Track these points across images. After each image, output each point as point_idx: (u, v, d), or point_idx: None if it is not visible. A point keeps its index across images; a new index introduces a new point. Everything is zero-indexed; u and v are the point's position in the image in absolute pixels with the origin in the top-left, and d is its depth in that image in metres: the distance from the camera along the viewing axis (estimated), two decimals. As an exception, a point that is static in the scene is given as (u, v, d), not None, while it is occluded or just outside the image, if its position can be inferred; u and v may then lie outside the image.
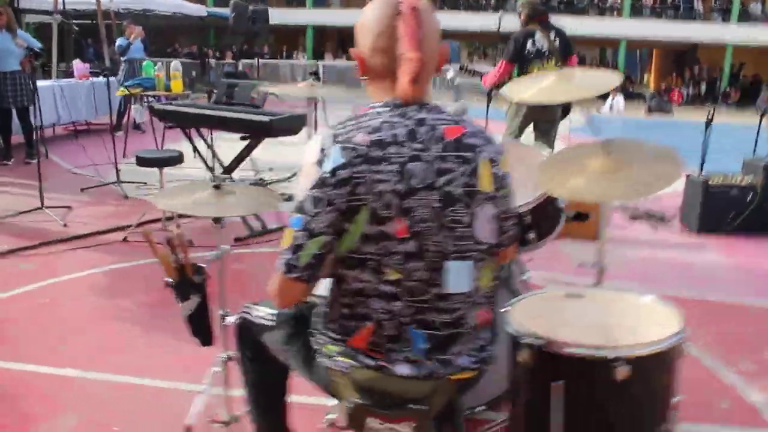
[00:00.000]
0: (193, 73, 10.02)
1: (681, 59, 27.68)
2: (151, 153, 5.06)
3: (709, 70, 25.59)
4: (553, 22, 6.37)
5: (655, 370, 1.94)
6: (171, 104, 5.58)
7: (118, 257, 4.70)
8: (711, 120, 6.10)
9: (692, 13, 25.39)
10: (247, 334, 2.02)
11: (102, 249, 4.90)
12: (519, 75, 6.39)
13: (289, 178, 7.48)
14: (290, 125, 4.96)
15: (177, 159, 4.96)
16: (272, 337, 1.91)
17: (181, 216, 5.45)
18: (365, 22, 1.60)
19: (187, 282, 2.16)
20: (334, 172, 1.50)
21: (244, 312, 2.05)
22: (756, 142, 6.90)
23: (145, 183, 6.92)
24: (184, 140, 6.32)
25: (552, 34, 6.27)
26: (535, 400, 1.97)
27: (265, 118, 4.74)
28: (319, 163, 1.52)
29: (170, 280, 2.18)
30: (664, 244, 5.56)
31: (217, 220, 5.38)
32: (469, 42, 30.85)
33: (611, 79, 2.58)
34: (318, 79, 2.72)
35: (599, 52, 27.54)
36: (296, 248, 1.55)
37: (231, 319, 2.25)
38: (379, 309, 1.57)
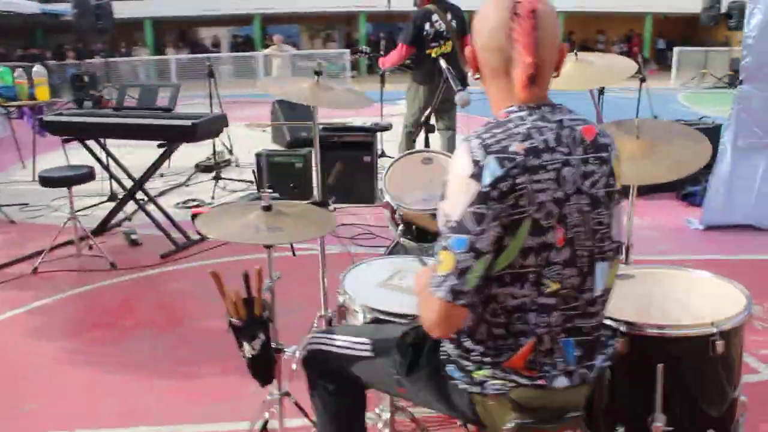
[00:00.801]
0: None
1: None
2: (57, 171, 4.49)
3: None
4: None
5: (738, 340, 1.99)
6: (63, 114, 4.99)
7: (36, 292, 4.17)
8: (603, 89, 6.42)
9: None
10: (327, 366, 1.85)
11: (12, 285, 4.32)
12: (418, 57, 6.40)
13: (185, 183, 7.04)
14: (213, 127, 4.62)
15: (88, 176, 4.46)
16: (374, 367, 1.75)
17: (95, 235, 4.96)
18: (481, 20, 1.52)
19: (256, 321, 1.91)
20: (495, 184, 1.39)
21: (316, 342, 1.87)
22: (638, 108, 7.36)
23: (28, 204, 6.24)
24: (55, 152, 5.65)
25: (449, 15, 6.30)
26: (634, 385, 1.97)
27: (187, 122, 4.36)
28: (475, 176, 1.40)
29: (235, 320, 1.90)
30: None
31: (133, 242, 4.98)
32: (309, 25, 30.59)
33: (629, 64, 2.59)
34: (321, 74, 2.50)
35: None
36: (462, 272, 1.41)
37: (290, 352, 2.04)
38: (538, 323, 1.48)
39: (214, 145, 7.19)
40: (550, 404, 1.53)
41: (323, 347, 1.84)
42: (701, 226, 5.12)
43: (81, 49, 16.08)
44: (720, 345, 1.88)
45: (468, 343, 1.56)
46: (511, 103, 1.51)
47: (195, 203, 6.09)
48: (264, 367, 1.96)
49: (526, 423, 1.52)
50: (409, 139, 6.77)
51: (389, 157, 7.26)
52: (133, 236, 5.08)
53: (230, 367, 3.16)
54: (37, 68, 7.00)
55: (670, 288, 2.19)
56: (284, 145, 8.21)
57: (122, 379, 3.11)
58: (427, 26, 6.22)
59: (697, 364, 1.93)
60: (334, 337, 1.84)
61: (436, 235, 2.67)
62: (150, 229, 5.12)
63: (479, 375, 1.54)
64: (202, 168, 7.38)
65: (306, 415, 2.27)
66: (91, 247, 4.80)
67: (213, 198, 6.29)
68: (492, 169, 1.39)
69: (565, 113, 1.53)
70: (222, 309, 3.76)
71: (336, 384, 1.85)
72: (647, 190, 5.97)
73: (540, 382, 1.51)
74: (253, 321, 1.88)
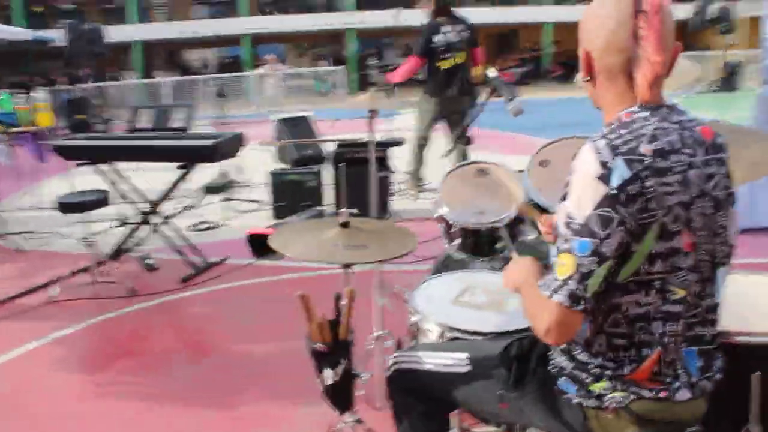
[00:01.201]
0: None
1: (503, 42, 29.26)
2: (74, 197, 4.38)
3: (532, 50, 27.32)
4: (458, 12, 6.36)
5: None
6: (77, 138, 4.89)
7: (57, 323, 4.02)
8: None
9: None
10: (416, 386, 1.77)
11: (30, 315, 4.17)
12: (429, 69, 6.36)
13: (195, 204, 6.92)
14: (232, 147, 4.52)
15: (104, 200, 4.35)
16: (472, 384, 1.67)
17: (112, 259, 4.83)
18: (598, 19, 1.44)
19: (341, 345, 1.80)
20: (623, 187, 1.32)
21: (403, 362, 1.78)
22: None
23: (33, 231, 6.09)
24: (54, 179, 5.41)
25: (460, 27, 6.27)
26: (727, 394, 1.88)
27: (207, 142, 4.25)
28: (603, 178, 1.33)
29: (320, 346, 1.79)
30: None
31: (150, 266, 4.85)
32: (296, 44, 30.65)
33: (692, 67, 2.53)
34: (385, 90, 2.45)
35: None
36: (584, 276, 1.34)
37: (365, 377, 1.94)
38: (663, 332, 1.42)
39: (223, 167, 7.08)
40: (671, 417, 1.46)
41: (412, 366, 1.76)
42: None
43: (72, 75, 15.93)
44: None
45: (582, 356, 1.48)
46: (629, 104, 1.45)
47: (207, 225, 5.99)
48: (344, 394, 1.85)
49: None
50: (420, 151, 6.72)
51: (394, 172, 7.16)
52: (149, 261, 4.96)
53: (273, 393, 3.06)
54: (38, 93, 6.89)
55: (736, 291, 2.10)
56: (289, 164, 8.11)
57: (163, 411, 2.97)
58: (437, 38, 6.19)
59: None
60: (423, 354, 1.76)
61: (491, 251, 2.59)
62: (164, 253, 5.00)
63: (597, 388, 1.46)
64: (210, 189, 7.26)
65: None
66: (106, 274, 4.67)
67: (224, 219, 6.18)
68: (620, 171, 1.32)
69: (681, 114, 1.46)
70: (255, 332, 3.69)
71: (426, 405, 1.77)
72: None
73: (662, 394, 1.44)
74: (338, 346, 1.77)
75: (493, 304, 2.06)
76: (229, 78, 21.33)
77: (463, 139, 6.79)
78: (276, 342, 3.65)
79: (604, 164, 1.33)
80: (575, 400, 1.49)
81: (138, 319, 4.08)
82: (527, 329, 1.91)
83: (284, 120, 8.72)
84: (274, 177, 6.09)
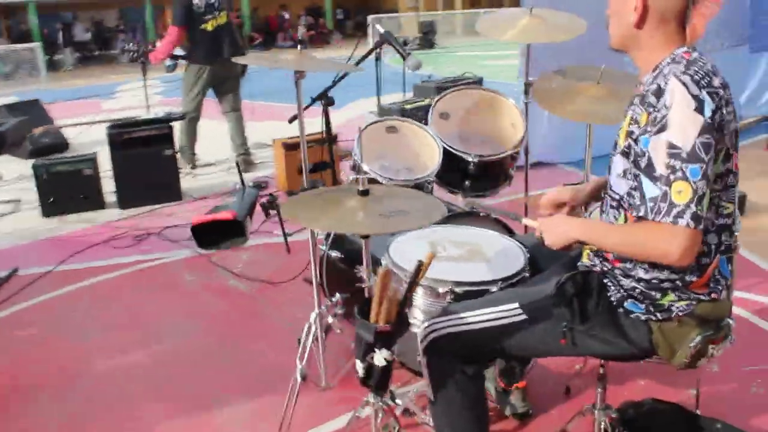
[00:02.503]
0: None
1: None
2: None
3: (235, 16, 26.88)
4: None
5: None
6: None
7: None
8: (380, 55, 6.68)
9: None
10: (461, 348, 1.78)
11: None
12: (193, 37, 6.04)
13: None
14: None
15: None
16: (530, 330, 1.73)
17: None
18: None
19: (403, 322, 1.68)
20: (712, 116, 1.50)
21: (440, 328, 1.78)
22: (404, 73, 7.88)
23: None
24: None
25: (215, -15, 6.05)
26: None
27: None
28: (698, 109, 1.50)
29: (383, 327, 1.64)
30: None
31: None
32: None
33: (578, 23, 2.80)
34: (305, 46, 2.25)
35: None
36: (700, 198, 1.49)
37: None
38: (717, 243, 1.64)
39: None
40: (719, 314, 1.69)
41: (452, 330, 1.76)
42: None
43: None
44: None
45: (647, 275, 1.64)
46: (674, 46, 1.63)
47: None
48: (387, 374, 1.73)
49: (708, 335, 1.65)
50: (191, 125, 6.36)
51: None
52: None
53: (179, 404, 2.79)
54: None
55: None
56: (24, 156, 7.05)
57: None
58: (195, 0, 5.91)
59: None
60: (463, 315, 1.76)
61: None
62: None
63: (666, 300, 1.64)
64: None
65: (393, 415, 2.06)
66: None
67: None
68: (708, 103, 1.50)
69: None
70: (110, 344, 3.26)
71: (475, 365, 1.80)
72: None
73: (714, 295, 1.66)
74: (401, 323, 1.67)
75: (473, 254, 2.12)
76: None
77: (238, 109, 6.58)
78: (143, 350, 3.26)
79: (695, 97, 1.51)
80: (643, 317, 1.67)
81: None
82: (523, 270, 2.05)
83: (8, 106, 7.59)
84: (38, 169, 5.27)
